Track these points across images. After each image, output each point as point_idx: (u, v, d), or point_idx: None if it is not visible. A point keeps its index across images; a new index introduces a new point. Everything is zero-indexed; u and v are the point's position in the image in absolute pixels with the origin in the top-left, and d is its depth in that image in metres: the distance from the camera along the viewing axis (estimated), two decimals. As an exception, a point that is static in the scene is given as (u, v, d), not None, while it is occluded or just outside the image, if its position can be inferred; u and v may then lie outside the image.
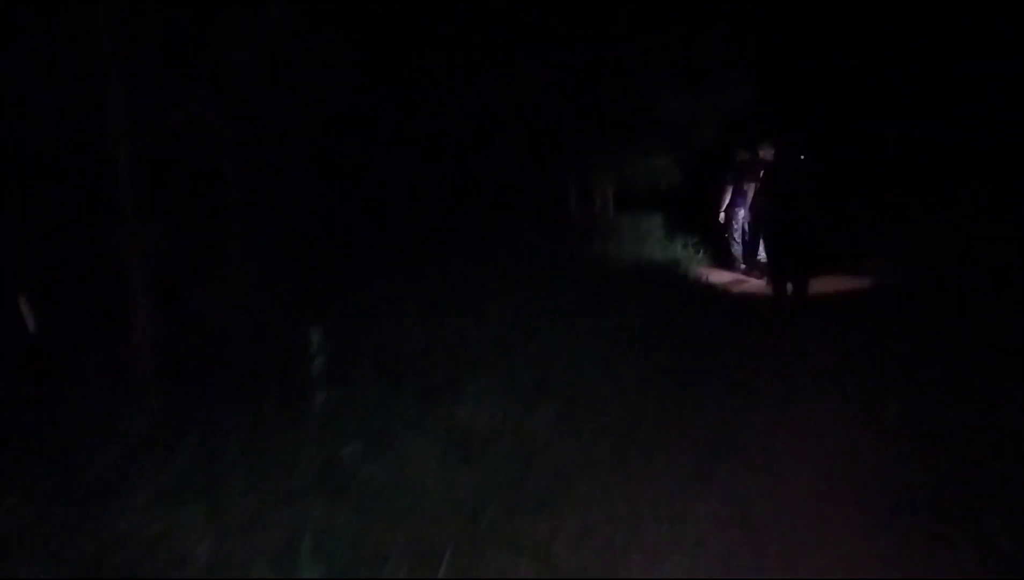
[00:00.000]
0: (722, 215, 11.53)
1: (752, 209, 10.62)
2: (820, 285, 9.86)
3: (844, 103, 12.35)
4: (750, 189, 10.63)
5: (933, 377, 5.55)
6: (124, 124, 4.35)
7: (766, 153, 10.34)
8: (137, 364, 4.20)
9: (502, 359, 5.20)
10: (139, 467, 3.76)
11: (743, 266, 11.41)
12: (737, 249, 11.52)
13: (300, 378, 3.92)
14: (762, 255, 10.81)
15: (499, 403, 4.73)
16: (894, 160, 11.60)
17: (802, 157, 9.12)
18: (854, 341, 6.87)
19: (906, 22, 11.54)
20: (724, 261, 11.88)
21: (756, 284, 10.81)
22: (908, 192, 10.89)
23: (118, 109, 4.35)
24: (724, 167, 11.54)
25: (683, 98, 11.62)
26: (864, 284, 10.03)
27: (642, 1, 10.74)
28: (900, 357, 6.15)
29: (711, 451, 4.66)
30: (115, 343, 4.30)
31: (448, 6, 9.16)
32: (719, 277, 11.36)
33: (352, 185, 6.63)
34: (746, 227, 11.06)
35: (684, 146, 12.19)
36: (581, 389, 5.12)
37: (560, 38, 10.60)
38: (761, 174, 10.18)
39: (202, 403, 3.96)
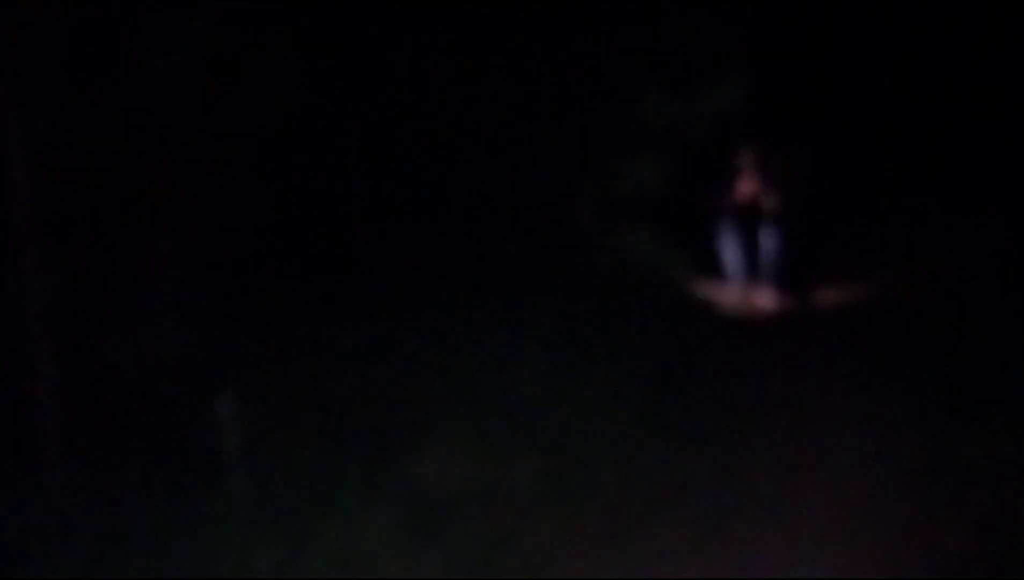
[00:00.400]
0: (710, 222, 11.18)
1: (738, 217, 10.28)
2: (826, 296, 9.48)
3: (844, 104, 11.94)
4: (733, 197, 10.26)
5: (956, 407, 5.09)
6: (21, 150, 3.81)
7: (745, 159, 10.02)
8: (38, 432, 3.66)
9: (473, 407, 4.65)
10: (33, 559, 3.23)
11: (734, 276, 11.02)
12: (728, 258, 11.12)
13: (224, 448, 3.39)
14: (736, 262, 10.49)
15: (469, 460, 4.20)
16: (900, 162, 11.19)
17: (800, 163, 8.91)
18: (868, 365, 6.36)
19: (908, 19, 11.19)
20: (716, 271, 11.44)
21: (750, 296, 10.40)
22: (918, 196, 10.51)
23: (14, 132, 3.81)
24: (713, 172, 11.15)
25: (670, 98, 11.24)
26: (874, 294, 9.60)
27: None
28: (919, 383, 5.68)
29: (715, 507, 4.13)
30: (13, 407, 3.76)
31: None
32: (712, 289, 10.93)
33: (300, 206, 6.06)
34: (733, 235, 10.74)
35: (674, 151, 11.74)
36: (565, 439, 4.56)
37: (540, 35, 10.23)
38: (744, 180, 10.03)
39: (108, 481, 3.42)
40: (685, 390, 5.65)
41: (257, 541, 3.14)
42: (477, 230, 8.66)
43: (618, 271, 10.61)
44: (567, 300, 7.52)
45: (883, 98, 11.43)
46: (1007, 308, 7.06)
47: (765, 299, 10.16)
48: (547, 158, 10.62)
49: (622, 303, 8.20)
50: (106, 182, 4.41)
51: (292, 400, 4.45)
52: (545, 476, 4.20)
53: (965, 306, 7.56)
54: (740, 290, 10.68)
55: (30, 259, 3.75)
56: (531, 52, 10.12)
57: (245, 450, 3.54)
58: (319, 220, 6.49)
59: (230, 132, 5.13)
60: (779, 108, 12.00)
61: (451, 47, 9.25)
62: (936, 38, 10.87)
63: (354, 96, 7.73)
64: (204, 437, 3.62)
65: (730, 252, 10.86)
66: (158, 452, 3.61)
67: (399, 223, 7.29)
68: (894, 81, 11.28)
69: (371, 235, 6.99)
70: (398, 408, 4.59)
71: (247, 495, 3.37)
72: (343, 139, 7.12)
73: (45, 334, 3.72)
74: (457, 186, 8.66)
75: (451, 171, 8.86)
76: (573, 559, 3.62)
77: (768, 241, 10.13)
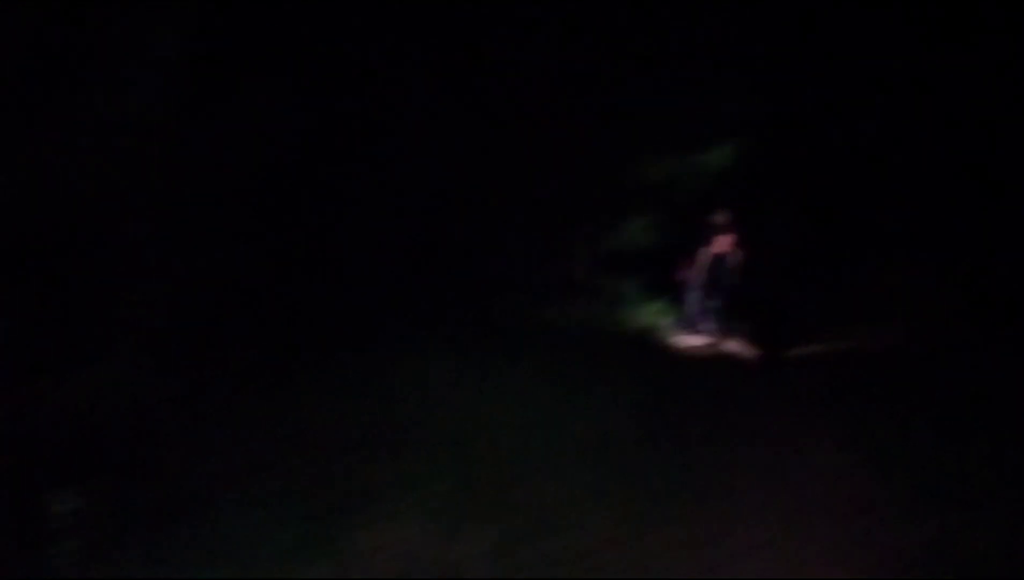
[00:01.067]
0: (688, 277, 10.84)
1: (711, 273, 10.09)
2: (803, 349, 8.89)
3: (830, 164, 11.47)
4: (707, 253, 10.08)
5: (952, 481, 4.37)
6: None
7: (721, 218, 9.91)
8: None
9: (432, 467, 3.97)
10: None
11: (711, 327, 10.60)
12: (701, 312, 10.73)
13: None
14: (711, 314, 10.24)
15: (419, 529, 3.51)
16: (878, 221, 10.65)
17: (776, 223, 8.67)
18: (851, 429, 5.66)
19: (888, 85, 10.75)
20: (696, 324, 10.98)
21: (727, 346, 9.93)
22: (896, 249, 9.99)
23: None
24: (694, 229, 10.83)
25: (662, 159, 10.92)
26: (849, 348, 8.98)
27: (619, 64, 10.14)
28: (907, 450, 4.98)
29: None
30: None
31: (412, 50, 8.26)
32: (693, 341, 10.43)
33: (275, 251, 5.37)
34: (711, 288, 10.24)
35: (663, 207, 11.37)
36: (527, 507, 3.87)
37: (535, 95, 9.83)
38: (720, 237, 9.88)
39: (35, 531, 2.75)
40: (663, 450, 4.92)
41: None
42: (468, 279, 8.06)
43: (607, 321, 10.06)
44: (551, 350, 6.85)
45: (865, 161, 10.93)
46: (978, 365, 6.44)
47: (741, 349, 9.73)
48: (543, 212, 10.17)
49: (607, 353, 7.54)
50: (64, 215, 3.78)
51: (235, 456, 3.77)
52: (501, 548, 3.49)
53: (938, 362, 6.95)
54: (717, 340, 10.23)
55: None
56: (530, 109, 9.71)
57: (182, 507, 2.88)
58: (294, 264, 5.81)
59: (201, 165, 4.50)
60: (765, 170, 11.55)
61: (451, 100, 8.78)
62: (914, 104, 10.38)
63: (349, 136, 7.17)
64: (149, 485, 3.02)
65: (705, 304, 10.45)
66: (91, 503, 2.93)
67: (381, 267, 6.63)
68: (877, 145, 10.79)
69: (351, 280, 6.31)
70: (351, 467, 3.89)
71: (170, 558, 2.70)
72: (332, 180, 6.52)
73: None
74: (448, 234, 8.07)
75: (443, 219, 8.27)
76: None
77: (739, 293, 9.77)
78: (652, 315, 10.50)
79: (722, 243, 10.06)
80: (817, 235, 10.42)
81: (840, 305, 10.52)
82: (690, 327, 10.94)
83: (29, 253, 3.74)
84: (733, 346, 10.09)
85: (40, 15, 3.94)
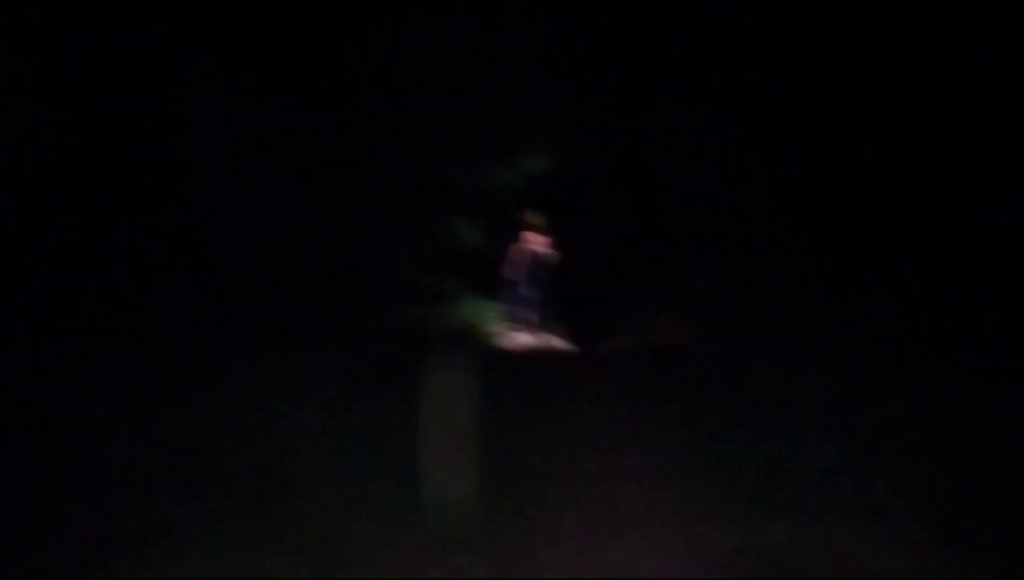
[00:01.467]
0: (508, 277, 10.94)
1: (530, 272, 10.34)
2: (614, 343, 9.05)
3: (644, 169, 11.80)
4: (524, 253, 10.37)
5: (764, 479, 4.43)
6: None
7: (536, 219, 10.23)
8: None
9: (231, 495, 3.53)
10: None
11: (528, 326, 10.73)
12: (521, 310, 10.87)
13: None
14: (528, 311, 10.47)
15: (216, 562, 3.09)
16: (689, 221, 11.04)
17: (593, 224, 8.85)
18: (664, 428, 5.71)
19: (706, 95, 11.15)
20: (518, 322, 11.05)
21: (549, 344, 10.03)
22: (702, 250, 10.35)
23: None
24: (515, 230, 10.95)
25: (485, 162, 10.92)
26: (655, 343, 9.26)
27: (442, 69, 10.01)
28: (715, 448, 5.06)
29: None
30: None
31: (232, 52, 7.69)
32: (516, 338, 10.48)
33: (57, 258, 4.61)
34: (526, 287, 10.49)
35: (487, 209, 11.36)
36: (336, 531, 3.52)
37: (357, 98, 9.49)
38: (534, 238, 10.18)
39: None
40: (486, 457, 4.68)
41: None
42: (282, 283, 7.51)
43: (430, 320, 9.84)
44: (371, 354, 6.49)
45: (676, 162, 11.32)
46: (783, 363, 6.76)
47: (561, 345, 9.86)
48: (365, 213, 9.85)
49: (430, 354, 7.24)
50: None
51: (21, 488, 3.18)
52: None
53: (742, 360, 7.25)
54: (539, 337, 10.34)
55: None
56: (353, 112, 9.38)
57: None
58: (75, 277, 5.06)
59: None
60: (582, 174, 11.74)
61: (276, 103, 8.27)
62: (729, 112, 10.81)
63: (144, 136, 6.46)
64: None
65: (525, 302, 10.56)
66: None
67: (180, 274, 5.95)
68: (688, 148, 11.19)
69: (140, 291, 5.63)
70: (144, 499, 3.38)
71: None
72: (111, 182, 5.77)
73: None
74: (259, 239, 7.47)
75: (254, 224, 7.68)
76: None
77: (555, 292, 10.05)
78: (475, 313, 10.37)
79: (538, 243, 10.27)
80: (629, 235, 10.73)
81: (649, 302, 10.87)
82: (512, 324, 10.98)
83: None
84: (554, 342, 10.20)
85: None
